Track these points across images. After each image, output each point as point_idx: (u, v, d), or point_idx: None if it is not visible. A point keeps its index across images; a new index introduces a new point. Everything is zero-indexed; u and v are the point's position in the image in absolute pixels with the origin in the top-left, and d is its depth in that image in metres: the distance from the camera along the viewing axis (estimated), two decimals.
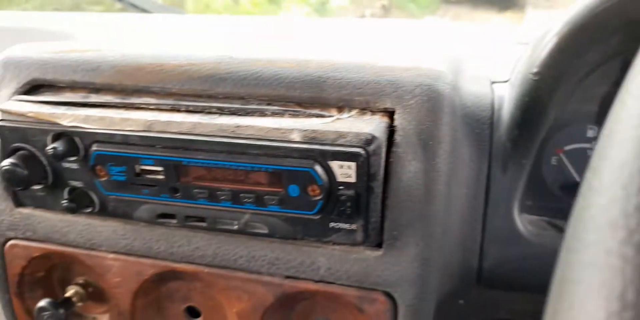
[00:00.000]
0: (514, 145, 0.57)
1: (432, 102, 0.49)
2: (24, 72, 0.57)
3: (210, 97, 0.53)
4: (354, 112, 0.50)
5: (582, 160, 0.63)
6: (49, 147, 0.51)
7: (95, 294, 0.64)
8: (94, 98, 0.55)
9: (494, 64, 0.72)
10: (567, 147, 0.63)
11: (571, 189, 0.63)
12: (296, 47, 0.64)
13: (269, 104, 0.52)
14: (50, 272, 0.64)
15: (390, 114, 0.50)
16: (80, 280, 0.63)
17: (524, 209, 0.59)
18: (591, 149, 0.64)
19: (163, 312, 0.62)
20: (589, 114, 0.63)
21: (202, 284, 0.58)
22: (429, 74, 0.50)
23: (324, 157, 0.47)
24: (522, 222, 0.59)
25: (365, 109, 0.50)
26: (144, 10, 1.29)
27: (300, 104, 0.52)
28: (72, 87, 0.57)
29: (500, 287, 0.62)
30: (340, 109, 0.51)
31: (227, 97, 0.53)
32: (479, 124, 0.58)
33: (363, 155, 0.46)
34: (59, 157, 0.51)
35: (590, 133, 0.64)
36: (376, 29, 1.16)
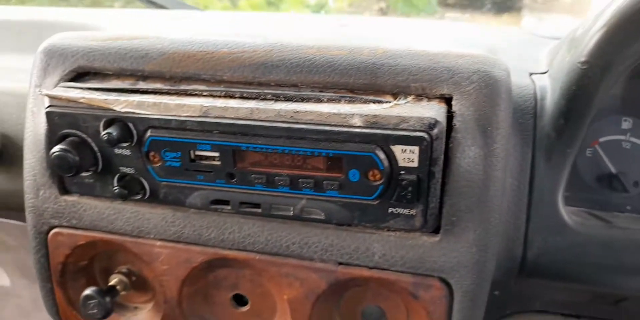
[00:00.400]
0: (559, 134, 0.58)
1: (489, 88, 0.49)
2: (70, 60, 0.57)
3: (262, 84, 0.53)
4: (409, 98, 0.50)
5: (617, 151, 0.64)
6: (104, 133, 0.50)
7: (138, 283, 0.63)
8: (142, 85, 0.55)
9: (524, 57, 0.73)
10: (602, 139, 0.64)
11: (607, 180, 0.64)
12: (338, 37, 0.64)
13: (321, 91, 0.52)
14: (92, 261, 0.64)
15: (447, 100, 0.50)
16: (123, 269, 0.63)
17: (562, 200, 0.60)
18: (626, 140, 0.64)
19: (210, 300, 0.61)
20: (623, 105, 0.63)
21: (252, 272, 0.58)
22: (485, 60, 0.51)
23: (386, 142, 0.47)
24: (567, 211, 0.59)
25: (421, 95, 0.50)
26: (161, 7, 1.28)
27: (353, 90, 0.51)
28: (119, 74, 0.56)
29: (542, 277, 0.62)
30: (395, 96, 0.51)
31: (278, 85, 0.53)
32: (522, 114, 0.58)
33: (427, 139, 0.46)
34: (113, 142, 0.50)
35: (625, 125, 0.64)
36: (388, 26, 1.16)
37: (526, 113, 0.59)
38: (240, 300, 0.61)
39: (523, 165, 0.58)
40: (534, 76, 0.64)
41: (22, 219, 0.85)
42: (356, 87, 0.51)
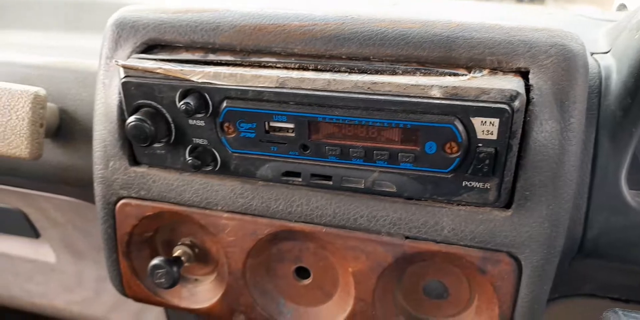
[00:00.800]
0: (625, 113, 0.57)
1: (567, 62, 0.49)
2: (141, 32, 0.58)
3: (333, 57, 0.53)
4: (484, 71, 0.50)
5: None
6: (182, 103, 0.51)
7: (200, 255, 0.65)
8: (212, 57, 0.55)
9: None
10: None
11: None
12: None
13: (392, 64, 0.52)
14: (156, 232, 0.65)
15: (523, 73, 0.50)
16: (187, 240, 0.64)
17: None
18: None
19: (272, 273, 0.62)
20: None
21: (316, 245, 0.59)
22: (562, 34, 0.50)
23: (466, 113, 0.47)
24: (630, 192, 0.59)
25: (495, 69, 0.50)
26: None
27: (424, 64, 0.51)
28: (189, 47, 0.57)
29: (599, 258, 0.62)
30: (469, 69, 0.50)
31: (349, 58, 0.53)
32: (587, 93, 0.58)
33: (508, 111, 0.46)
34: (190, 112, 0.51)
35: None
36: (438, 6, 1.15)
37: (590, 92, 0.58)
38: (302, 273, 0.62)
39: (586, 144, 0.57)
40: (595, 56, 0.63)
41: (74, 194, 0.87)
42: (429, 61, 0.51)
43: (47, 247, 1.10)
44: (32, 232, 1.06)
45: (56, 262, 1.12)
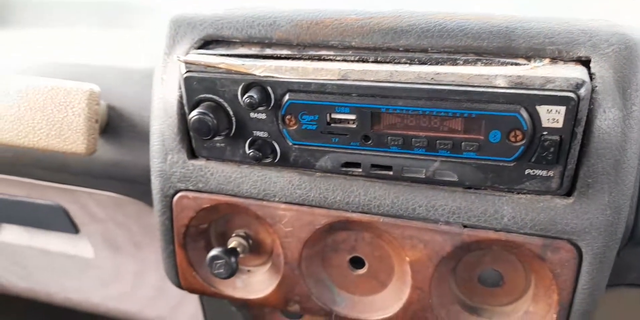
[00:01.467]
0: None
1: (629, 50, 0.49)
2: (198, 29, 0.59)
3: (390, 49, 0.54)
4: (545, 61, 0.50)
5: None
6: (245, 96, 0.52)
7: (254, 246, 0.66)
8: (270, 52, 0.56)
9: None
10: None
11: None
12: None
13: (451, 55, 0.52)
14: (211, 224, 0.66)
15: (584, 62, 0.50)
16: (241, 232, 0.65)
17: None
18: None
19: (327, 263, 0.63)
20: None
21: (371, 234, 0.60)
22: (620, 24, 0.50)
23: (531, 102, 0.47)
24: None
25: (555, 58, 0.50)
26: None
27: (483, 54, 0.52)
28: (246, 42, 0.58)
29: None
30: (529, 59, 0.51)
31: (407, 50, 0.53)
32: None
33: (574, 99, 0.46)
34: (254, 106, 0.52)
35: None
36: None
37: None
38: (356, 263, 0.63)
39: None
40: None
41: (119, 190, 0.88)
42: (488, 51, 0.51)
43: (86, 242, 1.12)
44: (72, 227, 1.08)
45: (94, 257, 1.14)
